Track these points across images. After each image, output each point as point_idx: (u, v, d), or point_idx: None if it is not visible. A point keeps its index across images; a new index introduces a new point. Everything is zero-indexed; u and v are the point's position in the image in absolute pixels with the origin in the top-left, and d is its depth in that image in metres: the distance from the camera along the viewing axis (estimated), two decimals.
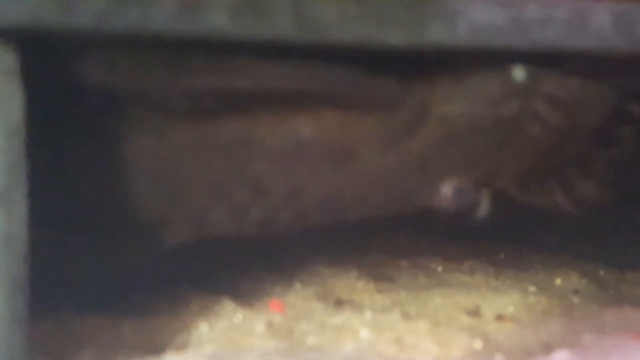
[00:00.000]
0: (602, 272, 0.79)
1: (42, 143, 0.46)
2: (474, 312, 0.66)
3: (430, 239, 0.85)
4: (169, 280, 0.66)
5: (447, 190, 0.58)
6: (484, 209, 0.60)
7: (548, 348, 0.57)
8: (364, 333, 0.60)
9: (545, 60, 0.56)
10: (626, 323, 0.62)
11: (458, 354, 0.57)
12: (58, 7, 0.43)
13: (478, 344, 0.58)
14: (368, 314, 0.63)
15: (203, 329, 0.59)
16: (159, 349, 0.55)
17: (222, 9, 0.47)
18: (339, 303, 0.69)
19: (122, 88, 0.51)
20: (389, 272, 0.77)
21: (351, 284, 0.73)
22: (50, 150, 0.51)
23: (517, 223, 0.81)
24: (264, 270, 0.73)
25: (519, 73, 0.57)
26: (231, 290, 0.66)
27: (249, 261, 0.73)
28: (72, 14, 0.43)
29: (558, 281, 0.75)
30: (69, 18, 0.43)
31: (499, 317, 0.65)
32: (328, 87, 0.54)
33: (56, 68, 0.50)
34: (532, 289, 0.72)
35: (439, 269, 0.79)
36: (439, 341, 0.58)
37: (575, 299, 0.70)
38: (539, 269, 0.78)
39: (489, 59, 0.55)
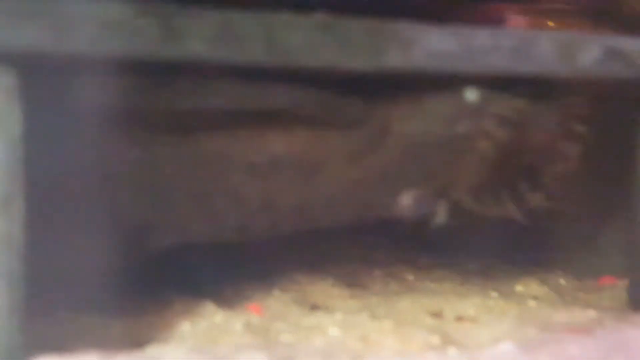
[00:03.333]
0: (562, 281, 0.84)
1: (40, 154, 0.52)
2: (437, 314, 0.72)
3: (407, 252, 0.91)
4: (159, 284, 0.71)
5: (406, 200, 0.64)
6: (441, 217, 0.65)
7: (497, 342, 0.62)
8: (334, 331, 0.65)
9: (495, 83, 0.62)
10: (572, 322, 0.68)
11: (416, 348, 0.62)
12: (54, 34, 0.49)
13: (436, 340, 0.63)
14: (339, 315, 0.68)
15: (185, 327, 0.64)
16: (145, 344, 0.60)
17: (200, 37, 0.53)
18: (314, 307, 0.74)
19: (113, 107, 0.57)
20: (363, 280, 0.82)
21: (327, 290, 0.78)
22: (47, 161, 0.57)
23: (489, 237, 0.86)
24: (248, 278, 0.78)
25: (470, 95, 0.63)
26: (215, 295, 0.71)
27: (234, 269, 0.78)
28: (66, 41, 0.49)
29: (519, 288, 0.81)
30: (63, 44, 0.49)
31: (459, 318, 0.71)
32: (298, 107, 0.60)
33: (55, 88, 0.56)
34: (494, 294, 0.77)
35: (411, 277, 0.84)
36: (400, 338, 0.64)
37: (532, 303, 0.75)
38: (504, 278, 0.84)
39: (444, 82, 0.61)
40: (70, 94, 0.55)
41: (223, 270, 0.78)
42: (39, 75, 0.52)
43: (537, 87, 0.63)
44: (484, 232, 0.81)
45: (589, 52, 0.60)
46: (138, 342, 0.61)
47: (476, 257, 0.91)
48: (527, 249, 0.88)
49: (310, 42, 0.55)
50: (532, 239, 0.86)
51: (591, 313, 0.69)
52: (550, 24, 1.13)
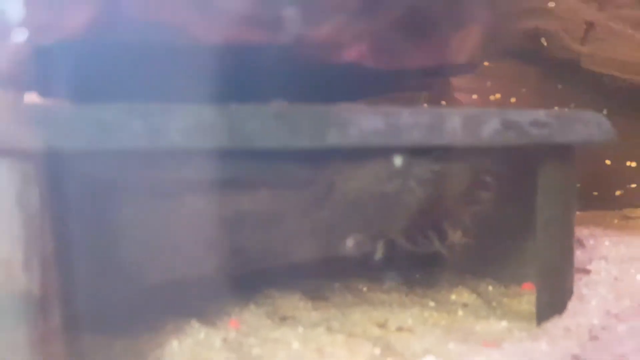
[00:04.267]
0: (490, 288, 0.98)
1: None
2: (383, 325, 0.85)
3: (362, 264, 1.04)
4: (155, 307, 0.85)
5: (349, 243, 0.80)
6: (379, 254, 0.81)
7: (427, 353, 0.77)
8: (295, 345, 0.80)
9: (416, 152, 0.77)
10: (488, 333, 0.83)
11: (362, 359, 0.78)
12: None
13: (377, 351, 0.77)
14: (300, 329, 0.83)
15: (174, 345, 0.78)
16: None
17: (178, 130, 0.67)
18: (283, 319, 0.88)
19: (117, 179, 0.72)
20: (324, 292, 0.96)
21: (294, 303, 0.91)
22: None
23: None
24: (228, 295, 0.91)
25: (397, 161, 0.78)
26: (199, 313, 0.85)
27: (217, 289, 0.93)
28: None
29: (453, 297, 0.94)
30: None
31: (400, 329, 0.84)
32: (260, 175, 0.75)
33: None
34: (431, 304, 0.91)
35: (365, 289, 0.98)
36: (350, 349, 0.78)
37: (460, 312, 0.88)
38: (443, 287, 0.98)
39: (376, 152, 0.77)
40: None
41: (209, 290, 0.92)
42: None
43: (451, 153, 0.79)
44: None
45: (490, 124, 0.75)
46: None
47: (423, 266, 1.04)
48: (464, 259, 1.02)
49: (265, 128, 0.70)
50: (469, 250, 1.00)
51: (504, 324, 0.84)
52: (486, 63, 1.30)
